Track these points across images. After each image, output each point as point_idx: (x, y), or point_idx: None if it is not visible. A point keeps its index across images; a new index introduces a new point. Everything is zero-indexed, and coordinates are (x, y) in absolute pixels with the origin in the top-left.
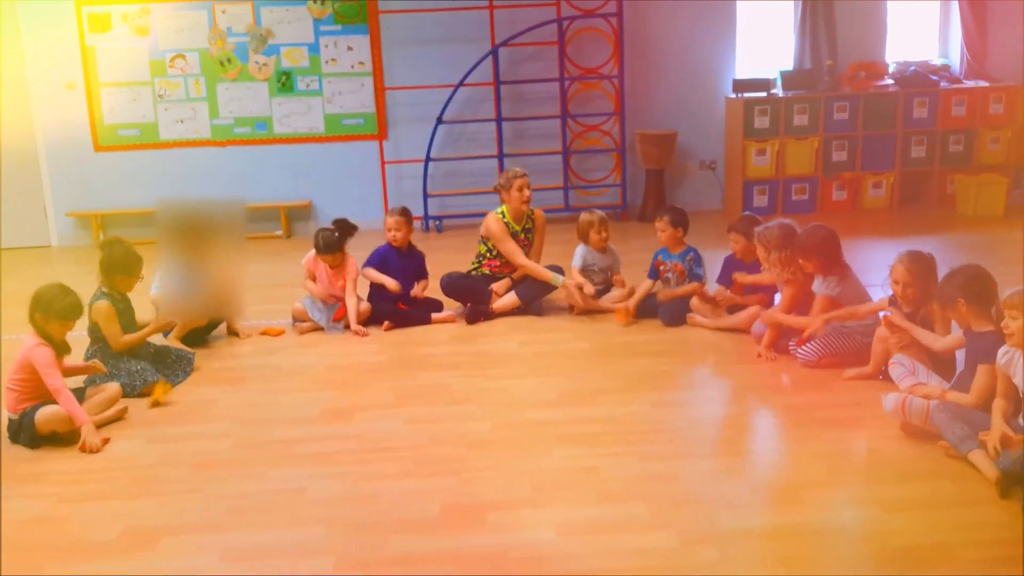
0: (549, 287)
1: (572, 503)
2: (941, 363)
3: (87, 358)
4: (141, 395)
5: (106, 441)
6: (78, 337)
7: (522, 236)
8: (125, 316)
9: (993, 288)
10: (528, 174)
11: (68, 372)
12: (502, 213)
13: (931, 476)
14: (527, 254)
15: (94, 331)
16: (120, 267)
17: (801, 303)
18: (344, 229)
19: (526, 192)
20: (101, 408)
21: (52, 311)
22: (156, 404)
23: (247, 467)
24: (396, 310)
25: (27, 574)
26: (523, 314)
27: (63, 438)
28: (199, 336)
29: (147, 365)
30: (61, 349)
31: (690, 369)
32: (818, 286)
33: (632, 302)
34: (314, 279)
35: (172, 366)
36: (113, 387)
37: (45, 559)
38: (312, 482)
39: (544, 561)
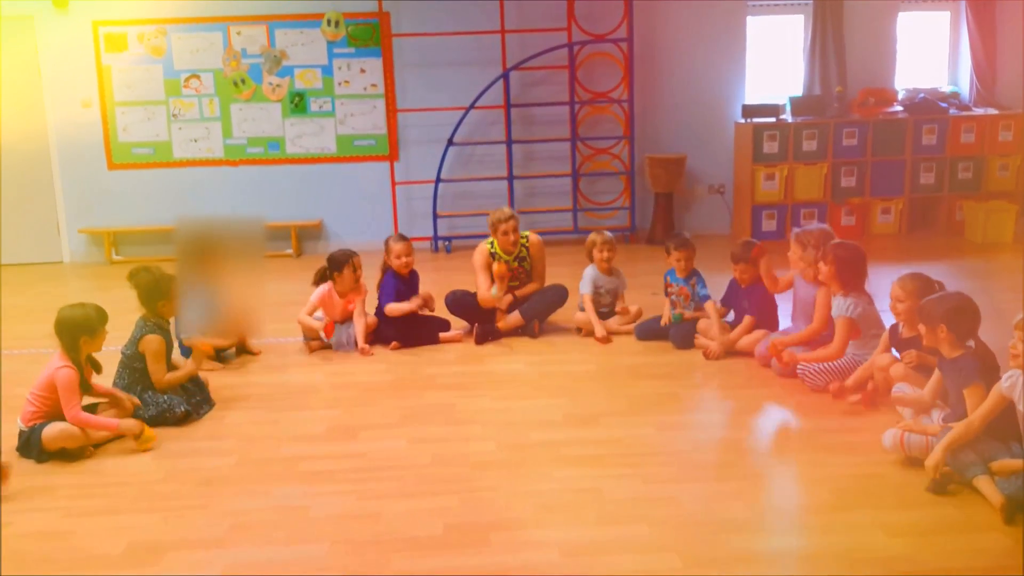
0: (553, 307)
1: (575, 524)
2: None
3: (117, 383)
4: (165, 423)
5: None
6: (109, 352)
7: (515, 264)
8: (167, 347)
9: (976, 323)
10: (516, 215)
11: (101, 393)
12: (491, 243)
13: (936, 502)
14: (525, 280)
15: (134, 361)
16: (155, 293)
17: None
18: (341, 258)
19: (511, 236)
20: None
21: (95, 325)
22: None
23: (252, 484)
24: (404, 329)
25: None
26: (526, 334)
27: (71, 453)
28: (215, 354)
29: (174, 396)
30: (95, 367)
31: (696, 392)
32: (839, 307)
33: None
34: (324, 308)
35: (197, 396)
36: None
37: (50, 573)
38: (316, 500)
39: None
